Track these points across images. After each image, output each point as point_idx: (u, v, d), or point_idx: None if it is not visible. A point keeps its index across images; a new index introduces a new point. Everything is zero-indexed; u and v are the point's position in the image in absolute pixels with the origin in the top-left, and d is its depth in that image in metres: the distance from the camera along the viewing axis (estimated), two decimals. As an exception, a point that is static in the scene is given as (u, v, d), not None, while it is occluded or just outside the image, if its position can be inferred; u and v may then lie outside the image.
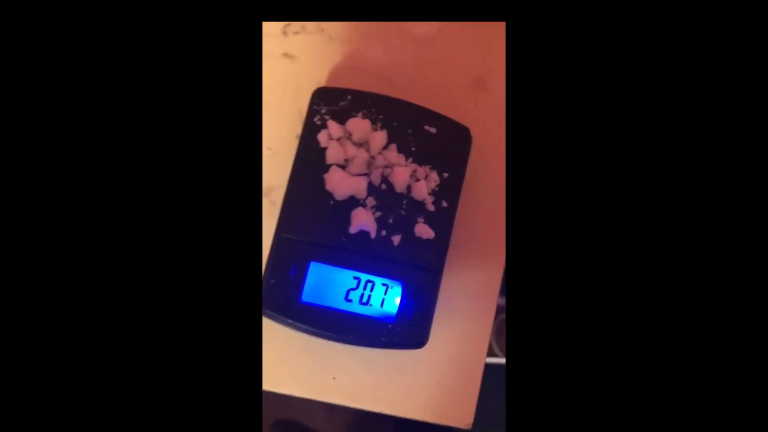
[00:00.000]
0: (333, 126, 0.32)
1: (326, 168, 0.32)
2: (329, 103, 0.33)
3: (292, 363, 0.35)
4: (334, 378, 0.35)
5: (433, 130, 0.34)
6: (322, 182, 0.32)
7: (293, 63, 0.37)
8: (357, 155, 0.32)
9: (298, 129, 0.35)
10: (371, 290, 0.33)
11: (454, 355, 0.36)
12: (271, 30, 0.37)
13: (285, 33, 0.38)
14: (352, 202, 0.32)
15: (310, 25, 0.38)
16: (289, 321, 0.32)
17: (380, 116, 0.33)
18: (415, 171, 0.33)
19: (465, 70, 0.39)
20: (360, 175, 0.32)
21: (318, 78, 0.37)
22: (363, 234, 0.32)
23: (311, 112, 0.33)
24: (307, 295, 0.32)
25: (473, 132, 0.37)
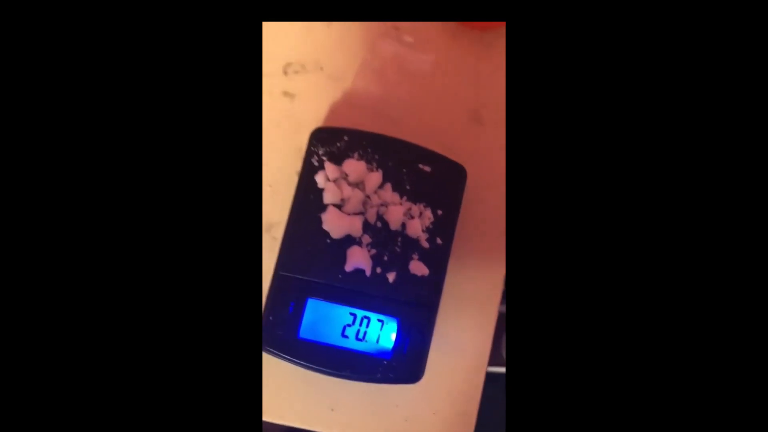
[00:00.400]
0: (330, 167, 0.33)
1: (323, 207, 0.33)
2: (326, 143, 0.34)
3: (291, 395, 0.36)
4: (332, 410, 0.36)
5: (427, 168, 0.35)
6: (320, 221, 0.33)
7: (293, 101, 0.39)
8: (353, 195, 0.33)
9: (298, 166, 0.36)
10: (367, 326, 0.33)
11: (452, 387, 0.37)
12: (271, 69, 0.39)
13: (285, 72, 0.39)
14: (349, 240, 0.33)
15: (310, 64, 0.39)
16: (287, 357, 0.33)
17: (376, 156, 0.34)
18: (409, 209, 0.34)
19: (461, 103, 0.40)
20: (356, 213, 0.33)
21: (317, 115, 0.39)
22: (359, 271, 0.33)
23: (309, 152, 0.34)
24: (305, 331, 0.33)
25: (470, 166, 0.37)
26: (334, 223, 0.33)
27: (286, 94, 0.39)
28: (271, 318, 0.33)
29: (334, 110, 0.39)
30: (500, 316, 0.38)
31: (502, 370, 0.64)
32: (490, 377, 0.38)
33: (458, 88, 0.40)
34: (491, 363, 0.38)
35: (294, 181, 0.36)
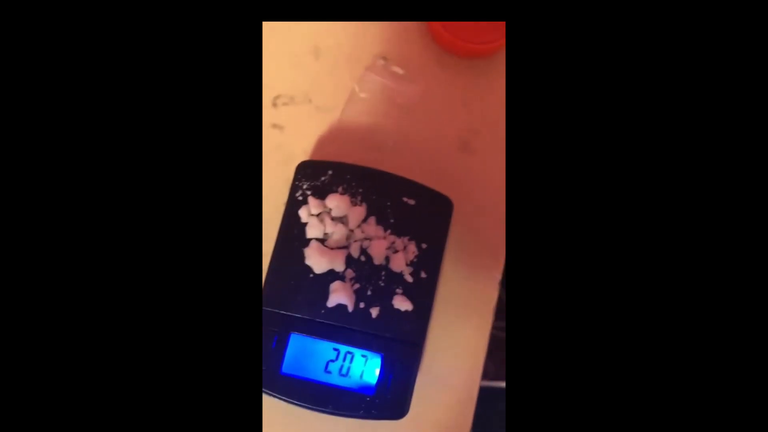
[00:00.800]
0: (313, 202, 0.33)
1: (307, 242, 0.34)
2: (311, 177, 0.35)
3: (277, 430, 0.35)
4: (318, 445, 0.35)
5: (412, 201, 0.35)
6: (303, 256, 0.33)
7: (282, 133, 0.39)
8: (336, 230, 0.33)
9: (283, 198, 0.37)
10: (351, 362, 0.33)
11: (441, 419, 0.36)
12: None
13: (275, 104, 0.39)
14: (332, 275, 0.33)
15: (299, 96, 0.39)
16: (270, 393, 0.33)
17: (360, 189, 0.34)
18: (393, 243, 0.34)
19: (449, 132, 0.40)
20: (339, 248, 0.33)
21: (305, 146, 0.39)
22: (341, 306, 0.33)
23: (294, 187, 0.35)
24: (288, 366, 0.33)
25: (461, 194, 0.37)
26: (316, 259, 0.33)
27: (275, 126, 0.39)
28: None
29: (322, 142, 0.39)
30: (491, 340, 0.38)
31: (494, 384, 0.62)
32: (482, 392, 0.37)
33: (447, 117, 0.40)
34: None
35: (277, 212, 0.36)
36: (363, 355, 0.33)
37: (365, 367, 0.33)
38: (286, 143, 0.39)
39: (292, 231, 0.34)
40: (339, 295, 0.32)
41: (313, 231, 0.33)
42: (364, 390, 0.33)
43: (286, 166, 0.38)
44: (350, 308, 0.33)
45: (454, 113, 0.40)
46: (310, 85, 0.39)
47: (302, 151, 0.39)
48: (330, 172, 0.35)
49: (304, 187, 0.34)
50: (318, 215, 0.33)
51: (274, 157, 0.39)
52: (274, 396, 0.33)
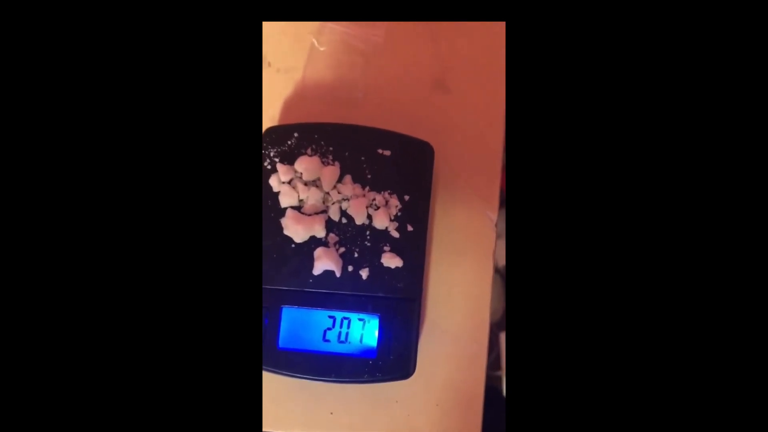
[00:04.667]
0: (282, 168, 0.32)
1: (283, 212, 0.32)
2: (277, 143, 0.33)
3: (287, 402, 0.35)
4: (331, 413, 0.35)
5: (387, 152, 0.32)
6: (280, 228, 0.32)
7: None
8: (310, 194, 0.31)
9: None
10: (348, 327, 0.32)
11: (452, 376, 0.35)
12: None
13: (233, 74, 0.37)
14: (315, 242, 0.32)
15: (257, 60, 0.37)
16: (270, 369, 0.32)
17: (330, 147, 0.32)
18: (373, 199, 0.32)
19: (421, 74, 0.37)
20: (317, 213, 0.32)
21: (272, 113, 0.37)
22: (329, 273, 0.31)
23: (262, 156, 0.33)
24: (284, 341, 0.32)
25: (441, 139, 0.35)
26: (294, 228, 0.31)
27: (237, 96, 0.37)
28: (249, 332, 0.32)
29: (289, 105, 0.37)
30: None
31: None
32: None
33: (416, 57, 0.37)
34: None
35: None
36: (360, 319, 0.32)
37: (364, 331, 0.32)
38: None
39: (266, 202, 0.32)
40: (324, 262, 0.31)
41: (286, 199, 0.31)
42: (365, 354, 0.32)
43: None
44: (338, 273, 0.31)
45: (423, 52, 0.37)
46: (267, 47, 0.37)
47: (270, 119, 0.37)
48: (296, 134, 0.33)
49: (272, 154, 0.33)
50: (289, 182, 0.32)
51: (241, 130, 0.37)
52: (275, 371, 0.32)
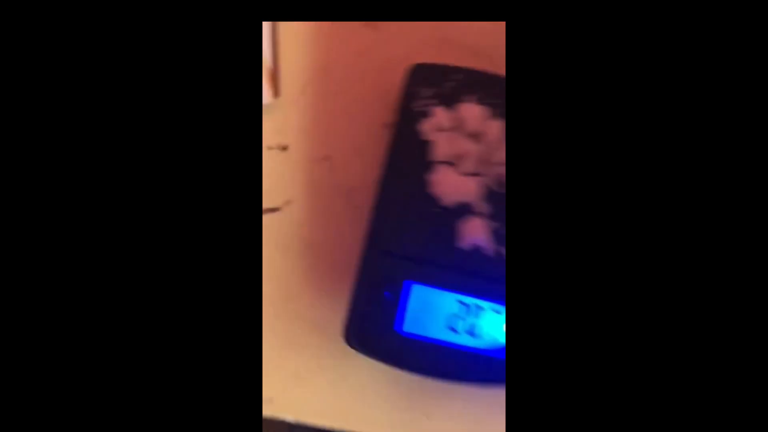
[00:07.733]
0: (441, 114, 0.26)
1: (428, 166, 0.26)
2: (432, 83, 0.27)
3: (376, 400, 0.29)
4: (427, 418, 0.29)
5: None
6: (424, 183, 0.26)
7: (375, 31, 0.31)
8: (470, 150, 0.26)
9: (383, 116, 0.29)
10: (480, 318, 0.27)
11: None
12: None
13: (365, -7, 0.31)
14: (461, 210, 0.26)
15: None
16: (379, 357, 0.26)
17: (498, 101, 0.27)
18: (537, 171, 0.27)
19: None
20: (472, 174, 0.26)
21: (403, 53, 0.31)
22: (476, 249, 0.26)
23: (408, 95, 0.27)
24: (408, 324, 0.26)
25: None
26: (447, 186, 0.25)
27: (366, 24, 0.31)
28: (360, 307, 0.26)
29: (425, 46, 0.31)
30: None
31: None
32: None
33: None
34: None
35: (376, 133, 0.29)
36: (495, 310, 0.27)
37: (498, 325, 0.27)
38: (381, 45, 0.30)
39: (409, 152, 0.26)
40: (475, 234, 0.25)
41: (442, 151, 0.26)
42: (495, 352, 0.26)
43: (382, 74, 0.30)
44: (488, 251, 0.26)
45: None
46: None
47: (401, 57, 0.30)
48: (458, 76, 0.27)
49: (425, 95, 0.27)
50: (447, 131, 0.26)
51: (366, 62, 0.30)
52: (385, 361, 0.26)
